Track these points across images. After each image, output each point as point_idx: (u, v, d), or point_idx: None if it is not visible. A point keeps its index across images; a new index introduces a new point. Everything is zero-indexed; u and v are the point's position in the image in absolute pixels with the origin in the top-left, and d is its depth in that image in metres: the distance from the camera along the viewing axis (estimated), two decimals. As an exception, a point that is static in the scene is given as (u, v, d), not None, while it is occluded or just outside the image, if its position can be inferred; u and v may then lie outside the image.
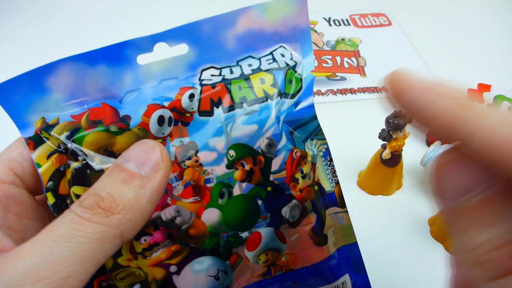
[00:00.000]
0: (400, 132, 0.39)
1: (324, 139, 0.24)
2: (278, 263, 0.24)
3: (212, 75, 0.22)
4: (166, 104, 0.21)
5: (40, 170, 0.21)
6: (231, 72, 0.22)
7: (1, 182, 0.21)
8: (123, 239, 0.18)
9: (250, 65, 0.23)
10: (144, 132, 0.21)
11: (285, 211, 0.23)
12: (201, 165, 0.22)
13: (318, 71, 0.58)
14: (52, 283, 0.16)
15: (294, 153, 0.23)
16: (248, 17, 0.22)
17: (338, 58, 0.60)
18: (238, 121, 0.22)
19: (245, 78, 0.22)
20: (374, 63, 0.59)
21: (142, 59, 0.21)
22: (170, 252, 0.22)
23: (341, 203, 0.25)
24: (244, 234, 0.23)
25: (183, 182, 0.22)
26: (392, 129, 0.38)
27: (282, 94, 0.23)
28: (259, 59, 0.23)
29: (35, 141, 0.21)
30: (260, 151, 0.23)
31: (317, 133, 0.24)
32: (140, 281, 0.22)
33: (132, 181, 0.19)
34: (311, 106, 0.24)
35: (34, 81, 0.20)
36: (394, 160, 0.40)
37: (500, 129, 0.13)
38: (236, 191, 0.23)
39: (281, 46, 0.23)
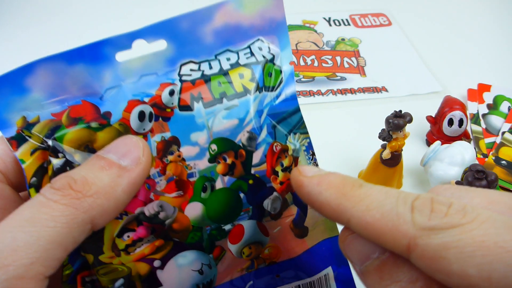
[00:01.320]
0: (400, 132, 0.39)
1: (307, 133, 0.25)
2: (261, 256, 0.25)
3: (191, 70, 0.23)
4: (146, 99, 0.22)
5: (24, 166, 0.21)
6: (210, 67, 0.23)
7: None
8: (94, 226, 0.18)
9: (228, 59, 0.23)
10: (125, 128, 0.21)
11: (267, 203, 0.24)
12: (183, 159, 0.22)
13: (318, 71, 0.58)
14: (14, 270, 0.15)
15: (274, 147, 0.24)
16: (225, 12, 0.22)
17: (338, 58, 0.60)
18: (219, 116, 0.23)
19: (224, 73, 0.23)
20: (374, 63, 0.59)
21: (121, 56, 0.22)
22: (154, 247, 0.22)
23: None
24: (227, 227, 0.24)
25: (166, 177, 0.22)
26: (392, 129, 0.38)
27: (261, 88, 0.23)
28: (237, 52, 0.23)
29: (17, 140, 0.21)
30: (241, 144, 0.23)
31: (299, 126, 0.25)
32: (123, 276, 0.22)
33: (110, 168, 0.19)
34: (294, 98, 0.24)
35: (13, 81, 0.20)
36: (394, 160, 0.40)
37: (368, 214, 0.17)
38: (219, 184, 0.23)
39: (258, 39, 0.24)
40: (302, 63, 0.59)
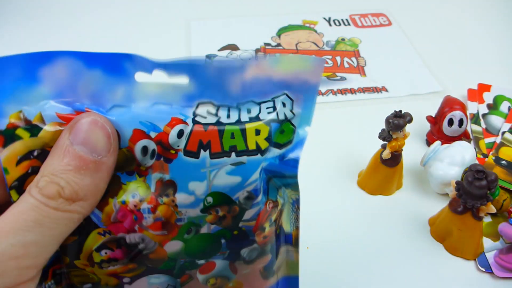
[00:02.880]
0: (400, 132, 0.39)
1: (298, 190, 0.24)
2: (225, 287, 0.25)
3: (208, 112, 0.21)
4: (152, 135, 0.21)
5: (6, 177, 0.20)
6: (228, 115, 0.21)
7: None
8: (85, 217, 0.20)
9: (249, 111, 0.22)
10: (131, 154, 0.21)
11: (244, 251, 0.24)
12: (176, 206, 0.22)
13: (318, 71, 0.58)
14: (24, 262, 0.18)
15: (267, 205, 0.23)
16: (259, 67, 0.21)
17: (338, 58, 0.60)
18: (223, 170, 0.22)
19: (240, 126, 0.21)
20: (374, 63, 0.59)
21: (140, 77, 0.21)
22: (127, 268, 0.23)
23: (295, 243, 0.25)
24: (200, 262, 0.24)
25: (154, 216, 0.22)
26: (392, 129, 0.38)
27: (270, 148, 0.22)
28: (260, 104, 0.22)
29: (5, 137, 0.20)
30: (237, 202, 0.22)
31: (292, 186, 0.24)
32: (92, 283, 0.23)
33: (87, 167, 0.19)
34: (295, 165, 0.23)
35: (25, 66, 0.19)
36: (394, 160, 0.40)
37: None
38: (204, 229, 0.23)
39: (284, 94, 0.22)
40: (302, 63, 0.59)
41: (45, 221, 0.19)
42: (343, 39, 0.63)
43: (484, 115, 0.51)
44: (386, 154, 0.40)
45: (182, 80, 0.21)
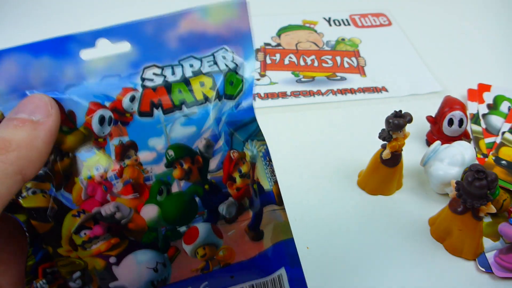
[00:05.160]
0: (400, 132, 0.39)
1: (264, 140, 0.26)
2: (216, 257, 0.25)
3: (154, 74, 0.23)
4: (107, 104, 0.22)
5: None
6: (173, 73, 0.23)
7: None
8: (24, 177, 0.20)
9: (191, 66, 0.24)
10: (88, 131, 0.22)
11: (222, 208, 0.25)
12: (140, 164, 0.23)
13: (318, 71, 0.58)
14: None
15: (231, 154, 0.25)
16: (190, 19, 0.23)
17: (338, 58, 0.60)
18: (177, 122, 0.23)
19: (186, 81, 0.23)
20: (374, 63, 0.59)
21: (86, 54, 0.22)
22: (110, 245, 0.23)
23: (279, 201, 0.26)
24: (182, 229, 0.24)
25: (122, 180, 0.23)
26: (392, 129, 0.38)
27: (221, 96, 0.24)
28: (201, 59, 0.24)
29: None
30: (198, 151, 0.24)
31: (256, 134, 0.25)
32: (80, 269, 0.23)
33: (23, 125, 0.20)
34: (251, 108, 0.25)
35: None
36: (394, 160, 0.40)
37: None
38: (175, 188, 0.24)
39: (222, 48, 0.24)
40: (302, 63, 0.59)
41: None
42: (343, 39, 0.63)
43: (484, 115, 0.51)
44: (386, 154, 0.40)
45: (125, 47, 0.22)
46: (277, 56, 0.60)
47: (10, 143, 0.19)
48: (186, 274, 0.25)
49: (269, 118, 0.51)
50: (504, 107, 0.52)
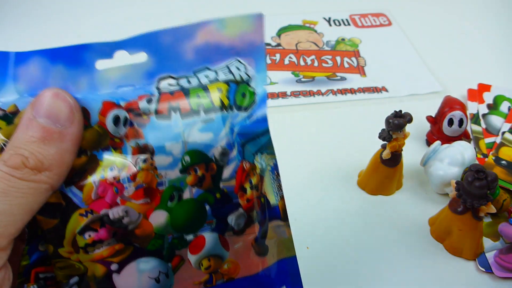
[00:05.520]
0: (400, 132, 0.39)
1: (274, 153, 0.25)
2: (220, 270, 0.25)
3: (169, 84, 0.23)
4: (122, 103, 0.22)
5: None
6: (189, 82, 0.23)
7: None
8: (54, 189, 0.20)
9: (207, 77, 0.23)
10: (103, 130, 0.22)
11: (231, 218, 0.24)
12: (155, 168, 0.22)
13: (318, 71, 0.58)
14: None
15: (244, 164, 0.24)
16: (207, 31, 0.22)
17: (338, 58, 0.60)
18: (195, 128, 0.23)
19: (203, 87, 0.23)
20: (374, 63, 0.59)
21: (101, 64, 0.22)
22: (113, 250, 0.23)
23: (284, 217, 0.26)
24: (189, 237, 0.24)
25: (135, 183, 0.22)
26: (392, 129, 0.38)
27: (232, 106, 0.24)
28: (215, 71, 0.24)
29: None
30: (213, 158, 0.23)
31: (267, 147, 0.25)
32: (78, 274, 0.23)
33: (51, 138, 0.20)
34: (264, 120, 0.25)
35: (5, 65, 0.20)
36: (394, 160, 0.40)
37: None
38: (186, 195, 0.23)
39: (236, 60, 0.24)
40: (302, 63, 0.59)
41: (11, 191, 0.19)
42: (343, 39, 0.63)
43: (484, 115, 0.51)
44: (386, 154, 0.40)
45: (141, 57, 0.22)
46: (277, 56, 0.60)
47: (42, 163, 0.19)
48: (189, 286, 0.24)
49: (269, 118, 0.51)
50: (504, 107, 0.52)
